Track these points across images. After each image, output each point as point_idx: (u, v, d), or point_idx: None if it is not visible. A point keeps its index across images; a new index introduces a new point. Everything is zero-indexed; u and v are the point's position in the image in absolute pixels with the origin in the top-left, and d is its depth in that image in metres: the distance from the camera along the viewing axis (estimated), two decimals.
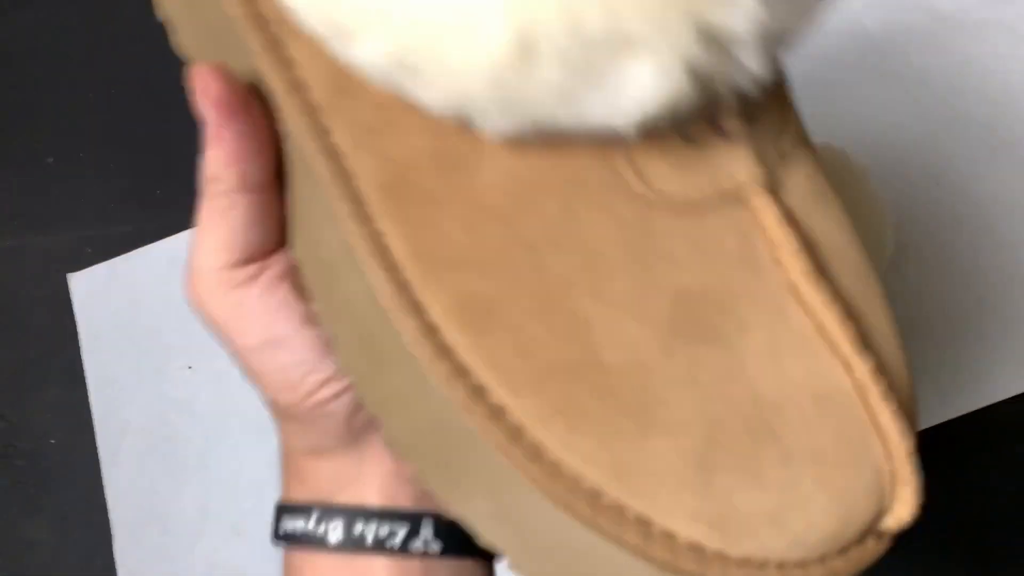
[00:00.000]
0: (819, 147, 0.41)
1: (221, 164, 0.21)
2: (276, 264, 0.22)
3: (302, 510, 0.24)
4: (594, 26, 0.15)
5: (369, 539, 0.22)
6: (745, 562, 0.16)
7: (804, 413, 0.17)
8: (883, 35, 0.55)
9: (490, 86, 0.16)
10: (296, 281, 0.22)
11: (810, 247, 0.18)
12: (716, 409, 0.17)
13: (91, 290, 0.52)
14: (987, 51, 0.54)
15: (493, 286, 0.17)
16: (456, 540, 0.22)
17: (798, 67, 0.55)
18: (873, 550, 0.17)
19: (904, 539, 0.18)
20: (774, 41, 0.16)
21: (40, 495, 0.48)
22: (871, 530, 0.17)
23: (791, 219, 0.18)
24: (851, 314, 0.18)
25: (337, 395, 0.22)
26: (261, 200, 0.22)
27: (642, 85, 0.16)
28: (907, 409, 0.18)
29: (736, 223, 0.18)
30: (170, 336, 0.50)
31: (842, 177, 0.40)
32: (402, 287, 0.18)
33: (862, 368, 0.17)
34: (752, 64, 0.16)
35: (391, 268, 0.18)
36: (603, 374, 0.17)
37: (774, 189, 0.18)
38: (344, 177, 0.19)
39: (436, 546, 0.22)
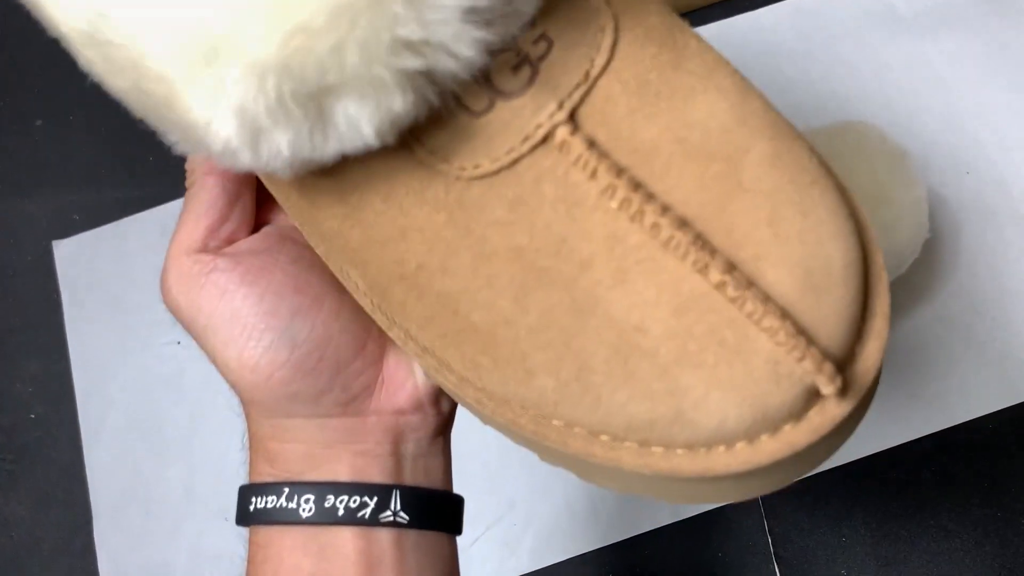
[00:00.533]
0: (856, 124, 0.39)
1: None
2: (239, 247, 0.24)
3: (272, 488, 0.24)
4: (305, 82, 0.16)
5: (340, 511, 0.23)
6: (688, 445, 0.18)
7: (668, 326, 0.18)
8: (914, 18, 0.53)
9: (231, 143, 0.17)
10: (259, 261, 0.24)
11: (634, 158, 0.19)
12: (581, 344, 0.18)
13: (77, 258, 0.50)
14: (1020, 36, 0.52)
15: (380, 278, 0.21)
16: (424, 512, 0.24)
17: (827, 48, 0.53)
18: (835, 411, 0.18)
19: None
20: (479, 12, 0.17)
21: (18, 471, 0.46)
22: (811, 399, 0.17)
23: (596, 143, 0.19)
24: (688, 217, 0.18)
25: (292, 369, 0.23)
26: (228, 181, 0.24)
27: (352, 119, 0.17)
28: (798, 274, 0.18)
29: (549, 168, 0.19)
30: (158, 310, 0.47)
31: (880, 155, 0.38)
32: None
33: (707, 264, 0.17)
34: (462, 46, 0.17)
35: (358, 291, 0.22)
36: (478, 334, 0.19)
37: (574, 116, 0.19)
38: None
39: (404, 517, 0.23)
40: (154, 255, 0.49)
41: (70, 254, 0.50)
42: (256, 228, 0.26)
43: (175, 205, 0.50)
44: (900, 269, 0.38)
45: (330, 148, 0.18)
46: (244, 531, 0.45)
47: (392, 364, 0.25)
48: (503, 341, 0.19)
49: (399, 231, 0.20)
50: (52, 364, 0.48)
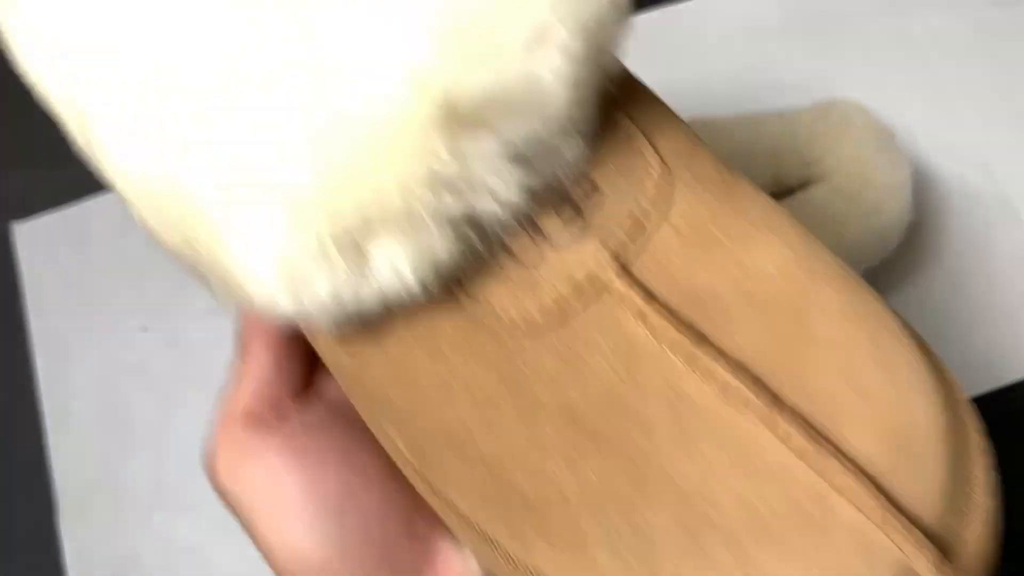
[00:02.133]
0: (841, 103, 0.38)
1: (250, 318, 0.24)
2: (291, 419, 0.23)
3: None
4: (345, 225, 0.16)
5: None
6: None
7: (740, 496, 0.16)
8: None
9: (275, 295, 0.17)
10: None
11: (694, 307, 0.17)
12: (642, 516, 0.16)
13: (38, 241, 0.48)
14: (1006, 15, 0.51)
15: (422, 439, 0.19)
16: None
17: (810, 26, 0.52)
18: None
19: None
20: (524, 146, 0.16)
21: None
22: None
23: (652, 292, 0.17)
24: (757, 372, 0.17)
25: (340, 554, 0.22)
26: (276, 344, 0.24)
27: (393, 262, 0.17)
28: (884, 436, 0.16)
29: (601, 317, 0.18)
30: (124, 294, 0.47)
31: (865, 135, 0.37)
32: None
33: (786, 427, 0.16)
34: (505, 187, 0.17)
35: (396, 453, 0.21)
36: (527, 503, 0.18)
37: (627, 266, 0.18)
38: None
39: None
40: (119, 237, 0.48)
41: (31, 236, 0.48)
42: (305, 393, 0.25)
43: None
44: (884, 252, 0.37)
45: (371, 295, 0.17)
46: (215, 522, 0.44)
47: (441, 542, 0.23)
48: (555, 512, 0.17)
49: (443, 388, 0.19)
50: (13, 352, 0.46)
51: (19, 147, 0.50)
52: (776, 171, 0.38)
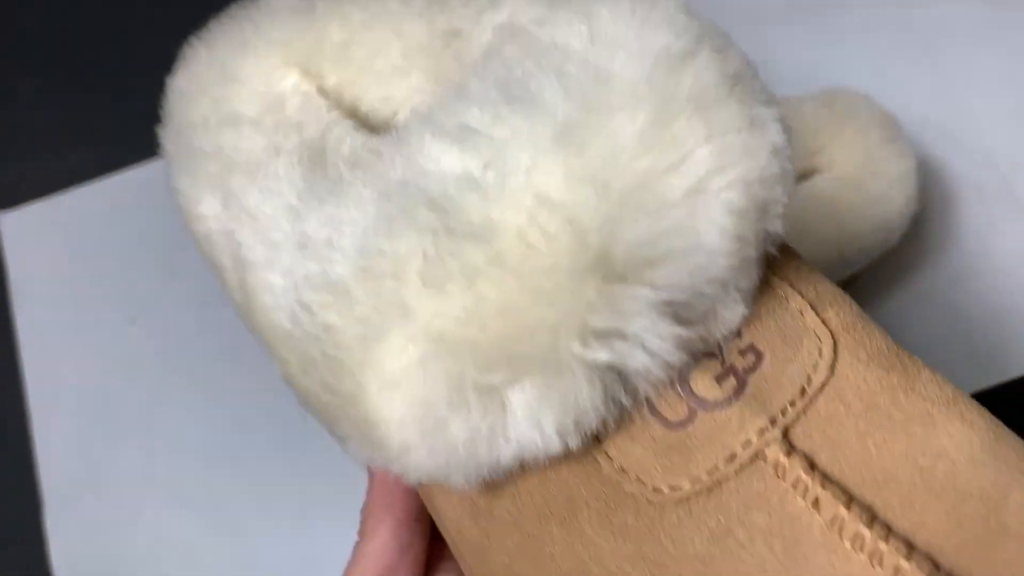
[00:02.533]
0: (844, 91, 0.37)
1: (375, 496, 0.24)
2: None
3: None
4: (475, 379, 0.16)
5: None
6: None
7: None
8: None
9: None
10: None
11: (865, 487, 0.16)
12: None
13: (24, 231, 0.47)
14: (1011, 3, 0.51)
15: None
16: None
17: (813, 14, 0.52)
18: None
19: None
20: (677, 306, 0.16)
21: None
22: None
23: (818, 467, 0.16)
24: (940, 561, 0.15)
25: None
26: (400, 527, 0.23)
27: (533, 412, 0.16)
28: None
29: (760, 493, 0.16)
30: (111, 285, 0.46)
31: (870, 125, 0.36)
32: None
33: None
34: (657, 340, 0.16)
35: None
36: None
37: (790, 438, 0.16)
38: None
39: None
40: (105, 228, 0.47)
41: (17, 226, 0.47)
42: None
43: (127, 175, 0.47)
44: (889, 244, 0.36)
45: (507, 449, 0.16)
46: (204, 517, 0.43)
47: None
48: None
49: (578, 565, 0.17)
50: None
51: (6, 138, 0.49)
52: None
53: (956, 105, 0.48)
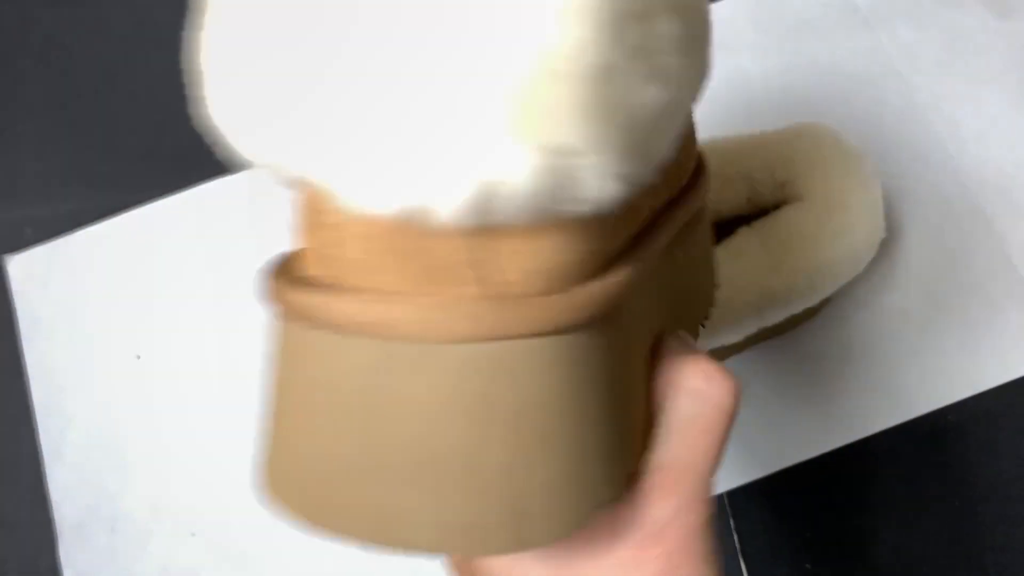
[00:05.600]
0: (812, 126, 0.39)
1: None
2: None
3: None
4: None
5: None
6: None
7: None
8: (870, 9, 0.53)
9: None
10: None
11: None
12: None
13: (30, 273, 0.49)
14: (975, 26, 0.52)
15: None
16: None
17: (785, 40, 0.53)
18: None
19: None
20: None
21: None
22: None
23: None
24: None
25: None
26: None
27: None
28: None
29: None
30: (116, 323, 0.47)
31: (835, 159, 0.38)
32: None
33: None
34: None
35: None
36: None
37: None
38: None
39: None
40: (109, 268, 0.49)
41: (23, 269, 0.49)
42: None
43: (128, 217, 0.49)
44: (857, 270, 0.38)
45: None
46: (212, 547, 0.44)
47: None
48: None
49: None
50: (9, 382, 0.47)
51: (7, 183, 0.51)
52: (749, 193, 0.39)
53: (923, 129, 0.50)
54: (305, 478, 0.16)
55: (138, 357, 0.47)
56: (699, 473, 0.19)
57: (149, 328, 0.47)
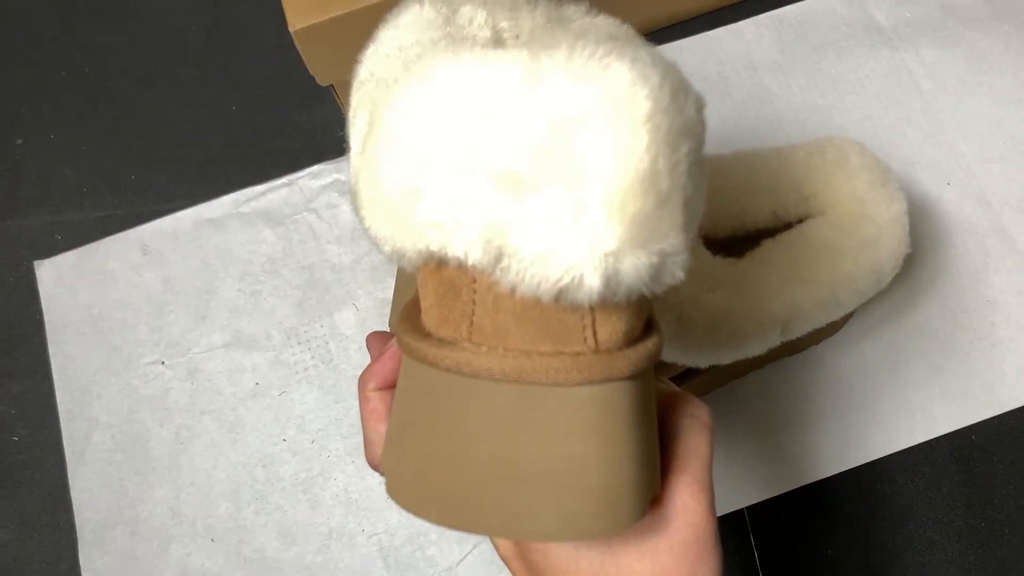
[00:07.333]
0: (837, 140, 0.39)
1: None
2: None
3: None
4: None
5: None
6: None
7: None
8: (894, 30, 0.53)
9: None
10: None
11: None
12: None
13: (59, 279, 0.49)
14: (999, 47, 0.52)
15: None
16: None
17: (808, 60, 0.53)
18: None
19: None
20: None
21: (2, 493, 0.46)
22: None
23: None
24: None
25: None
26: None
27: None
28: None
29: None
30: (141, 329, 0.48)
31: (861, 172, 0.38)
32: None
33: None
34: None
35: None
36: None
37: None
38: None
39: None
40: (136, 275, 0.49)
41: (52, 274, 0.49)
42: None
43: (157, 224, 0.50)
44: (881, 285, 0.38)
45: None
46: (231, 552, 0.44)
47: None
48: None
49: None
50: (35, 385, 0.47)
51: (38, 190, 0.52)
52: (775, 206, 0.39)
53: (947, 148, 0.50)
54: (442, 486, 0.22)
55: (162, 363, 0.47)
56: (702, 458, 0.25)
57: (173, 334, 0.48)
